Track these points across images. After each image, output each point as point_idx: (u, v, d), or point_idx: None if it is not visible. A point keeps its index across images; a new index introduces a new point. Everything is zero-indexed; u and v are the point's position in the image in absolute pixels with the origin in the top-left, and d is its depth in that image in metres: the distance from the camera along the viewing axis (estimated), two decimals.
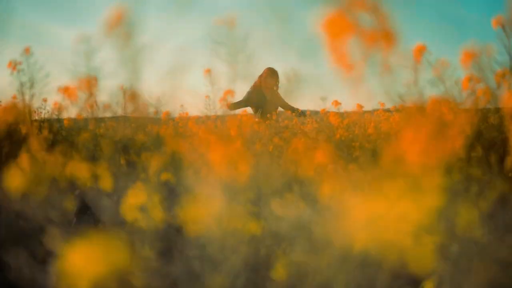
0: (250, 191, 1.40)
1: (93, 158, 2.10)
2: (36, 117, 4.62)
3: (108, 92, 2.12)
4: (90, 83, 1.88)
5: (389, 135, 3.30)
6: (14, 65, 2.18)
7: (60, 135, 2.81)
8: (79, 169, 1.16)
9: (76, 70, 1.80)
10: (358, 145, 3.54)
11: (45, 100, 3.71)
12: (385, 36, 0.70)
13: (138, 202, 1.02)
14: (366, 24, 0.69)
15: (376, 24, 0.69)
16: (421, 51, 1.84)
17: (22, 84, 2.11)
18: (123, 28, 1.26)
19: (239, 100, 5.48)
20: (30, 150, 1.26)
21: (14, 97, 2.81)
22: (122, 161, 2.42)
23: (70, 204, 1.20)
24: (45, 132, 2.32)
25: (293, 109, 5.33)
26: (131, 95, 2.07)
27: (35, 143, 1.25)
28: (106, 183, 1.27)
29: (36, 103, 2.85)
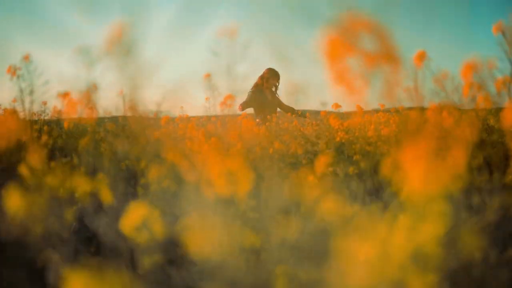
0: (250, 202, 1.40)
1: (93, 164, 2.10)
2: (36, 118, 4.62)
3: (108, 97, 2.12)
4: (90, 90, 1.88)
5: (389, 138, 3.29)
6: (13, 71, 2.18)
7: (61, 138, 2.81)
8: (79, 180, 1.16)
9: (75, 78, 1.80)
10: (358, 147, 3.53)
11: (44, 103, 3.71)
12: (387, 58, 0.69)
13: (137, 216, 1.01)
14: (367, 46, 0.69)
15: (378, 46, 0.69)
16: (421, 57, 1.84)
17: (22, 91, 2.11)
18: (123, 46, 1.25)
19: (244, 100, 5.47)
20: (30, 162, 1.26)
21: (14, 101, 2.81)
22: (123, 166, 2.41)
23: (70, 214, 1.20)
24: (45, 137, 2.31)
25: (293, 111, 5.33)
26: (131, 101, 2.07)
27: (35, 155, 1.25)
28: (106, 193, 1.27)
29: (36, 107, 2.85)
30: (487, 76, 1.50)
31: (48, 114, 4.13)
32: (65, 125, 2.88)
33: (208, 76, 2.66)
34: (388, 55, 0.69)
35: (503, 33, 1.81)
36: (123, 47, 1.27)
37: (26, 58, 2.10)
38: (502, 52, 1.82)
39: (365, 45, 0.69)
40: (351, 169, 3.08)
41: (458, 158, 1.29)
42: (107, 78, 1.72)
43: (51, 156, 2.21)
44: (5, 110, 5.83)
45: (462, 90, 1.84)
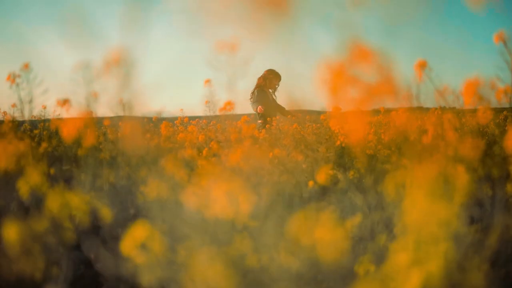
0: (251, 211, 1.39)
1: (93, 172, 2.09)
2: (36, 119, 4.62)
3: (107, 104, 2.11)
4: (89, 99, 1.88)
5: (390, 143, 3.29)
6: (13, 78, 2.17)
7: (60, 145, 2.80)
8: (77, 198, 1.15)
9: (75, 88, 1.80)
10: (359, 150, 3.53)
11: (44, 107, 3.70)
12: (387, 89, 0.69)
13: (136, 236, 1.01)
14: (367, 78, 0.68)
15: (378, 78, 0.68)
16: (422, 66, 1.83)
17: (21, 101, 2.11)
18: (122, 68, 1.25)
19: (257, 100, 5.38)
20: (29, 178, 1.25)
21: (13, 106, 2.80)
22: (123, 173, 2.41)
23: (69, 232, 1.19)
24: (45, 144, 2.31)
25: (291, 114, 5.28)
26: (130, 109, 2.06)
27: (34, 175, 1.24)
28: (105, 212, 1.26)
29: (35, 112, 2.84)
30: (489, 93, 1.50)
31: (48, 118, 4.13)
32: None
33: (208, 81, 2.66)
34: (388, 88, 0.69)
35: (505, 43, 1.80)
36: (122, 69, 1.26)
37: (26, 66, 2.09)
38: (503, 61, 1.81)
39: (366, 77, 0.69)
40: (351, 173, 3.08)
41: (460, 173, 1.28)
42: (107, 88, 1.71)
43: (50, 164, 2.21)
44: (4, 113, 5.82)
45: (463, 99, 1.83)
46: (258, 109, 5.27)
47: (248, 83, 5.38)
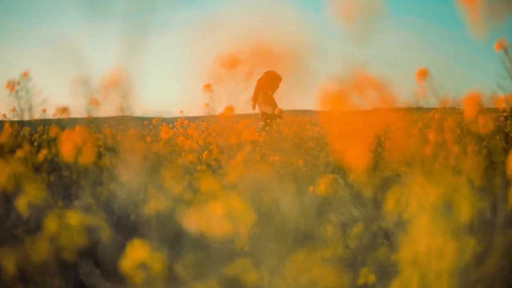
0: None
1: (93, 180, 2.09)
2: (36, 119, 4.60)
3: (107, 109, 2.10)
4: (89, 106, 1.87)
5: (390, 147, 3.28)
6: (12, 86, 2.17)
7: (60, 155, 2.79)
8: (77, 218, 1.15)
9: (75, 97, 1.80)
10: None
11: (44, 111, 3.70)
12: (385, 105, 0.68)
13: (136, 254, 1.00)
14: (367, 100, 0.68)
15: (377, 98, 0.68)
16: (423, 74, 1.83)
17: (21, 109, 2.10)
18: (119, 89, 1.24)
19: (267, 102, 5.32)
20: (28, 194, 1.25)
21: (13, 110, 2.80)
22: (123, 180, 2.40)
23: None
24: (44, 151, 2.30)
25: (286, 117, 5.22)
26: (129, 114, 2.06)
27: (33, 185, 1.24)
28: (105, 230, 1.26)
29: (35, 115, 2.83)
30: (489, 103, 1.49)
31: (48, 119, 4.12)
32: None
33: (208, 86, 2.65)
34: (387, 108, 0.68)
35: (505, 50, 1.79)
36: (121, 90, 1.26)
37: (25, 75, 2.08)
38: (503, 68, 1.81)
39: (365, 101, 0.68)
40: (351, 177, 3.08)
41: (462, 183, 1.28)
42: (107, 96, 1.71)
43: (50, 171, 2.20)
44: (4, 115, 5.78)
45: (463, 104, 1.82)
46: (276, 111, 5.16)
47: (248, 93, 5.36)
